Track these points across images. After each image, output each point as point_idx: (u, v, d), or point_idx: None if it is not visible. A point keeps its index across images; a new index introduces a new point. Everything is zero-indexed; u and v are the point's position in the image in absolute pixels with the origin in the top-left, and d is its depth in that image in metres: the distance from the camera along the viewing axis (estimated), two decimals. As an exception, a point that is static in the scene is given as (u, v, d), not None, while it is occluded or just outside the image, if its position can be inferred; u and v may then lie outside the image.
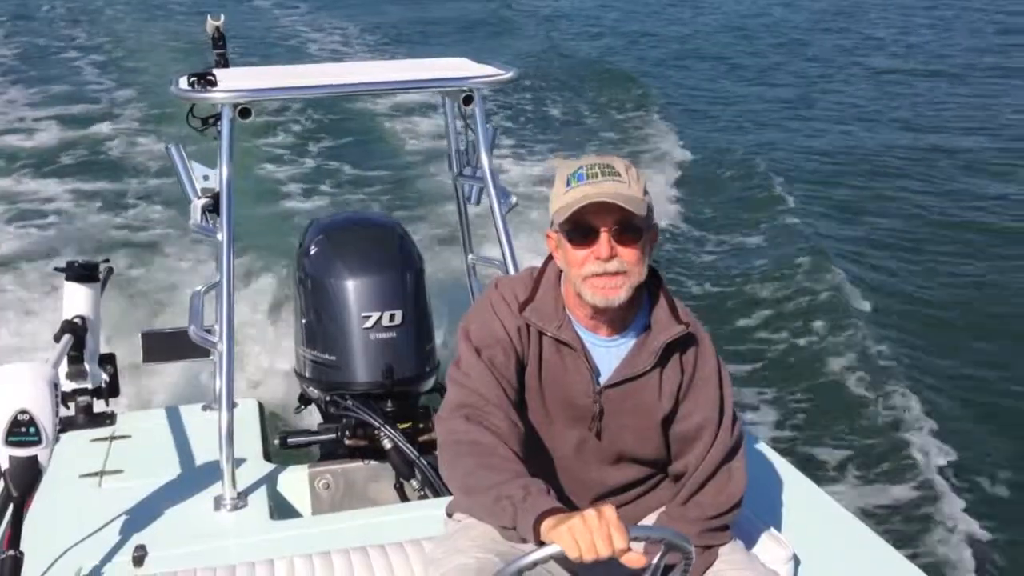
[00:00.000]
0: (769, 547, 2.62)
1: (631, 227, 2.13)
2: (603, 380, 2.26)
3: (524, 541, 1.92)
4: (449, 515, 2.43)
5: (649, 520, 2.39)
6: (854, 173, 10.93)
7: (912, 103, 14.04)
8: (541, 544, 1.84)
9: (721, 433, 2.31)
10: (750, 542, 2.59)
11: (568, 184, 2.14)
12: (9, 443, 2.48)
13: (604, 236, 2.11)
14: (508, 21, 20.17)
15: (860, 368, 6.48)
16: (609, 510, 1.79)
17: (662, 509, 2.39)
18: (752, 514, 2.68)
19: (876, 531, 2.93)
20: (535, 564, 1.83)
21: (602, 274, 2.13)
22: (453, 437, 2.13)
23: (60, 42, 17.08)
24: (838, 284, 7.74)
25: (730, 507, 2.34)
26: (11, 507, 2.51)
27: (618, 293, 2.15)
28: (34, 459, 2.49)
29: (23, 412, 2.47)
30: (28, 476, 2.49)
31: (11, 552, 2.44)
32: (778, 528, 2.75)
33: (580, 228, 2.13)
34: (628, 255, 2.13)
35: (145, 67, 14.45)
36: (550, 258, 2.29)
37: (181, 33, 16.39)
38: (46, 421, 2.50)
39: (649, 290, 2.29)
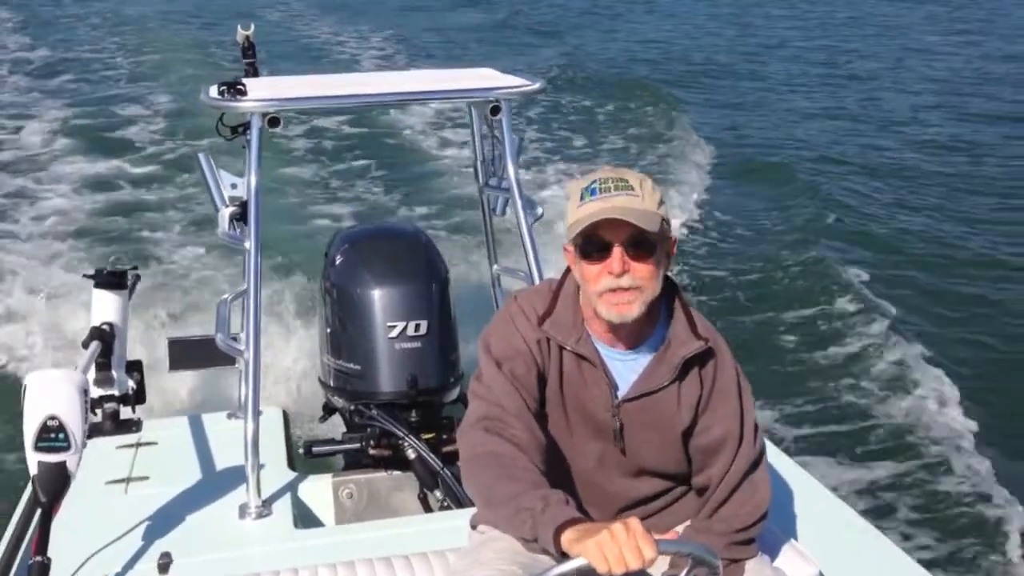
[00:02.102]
0: (795, 562, 2.60)
1: (644, 242, 2.12)
2: (621, 394, 2.25)
3: (546, 552, 1.92)
4: (473, 527, 2.42)
5: (673, 534, 2.38)
6: (885, 181, 10.85)
7: (953, 110, 13.92)
8: (563, 555, 1.83)
9: (743, 446, 2.30)
10: (775, 557, 2.57)
11: (582, 199, 2.14)
12: (38, 449, 2.50)
13: (617, 251, 2.11)
14: (529, 31, 20.26)
15: (885, 379, 6.43)
16: (635, 522, 1.78)
17: (687, 523, 2.38)
18: (777, 529, 2.66)
19: (900, 546, 2.90)
20: None
21: (615, 289, 2.12)
22: (473, 450, 2.13)
23: (91, 48, 17.30)
24: (864, 293, 7.69)
25: (756, 520, 2.32)
26: (39, 512, 2.54)
27: (631, 309, 2.14)
28: (63, 465, 2.51)
29: (52, 418, 2.49)
30: (57, 482, 2.51)
31: (39, 558, 2.46)
32: (802, 542, 2.72)
33: (593, 243, 2.13)
34: (641, 270, 2.13)
35: (175, 75, 14.60)
36: (568, 271, 2.29)
37: (209, 42, 16.58)
38: (75, 427, 2.52)
39: (667, 302, 2.28)
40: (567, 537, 1.83)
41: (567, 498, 1.96)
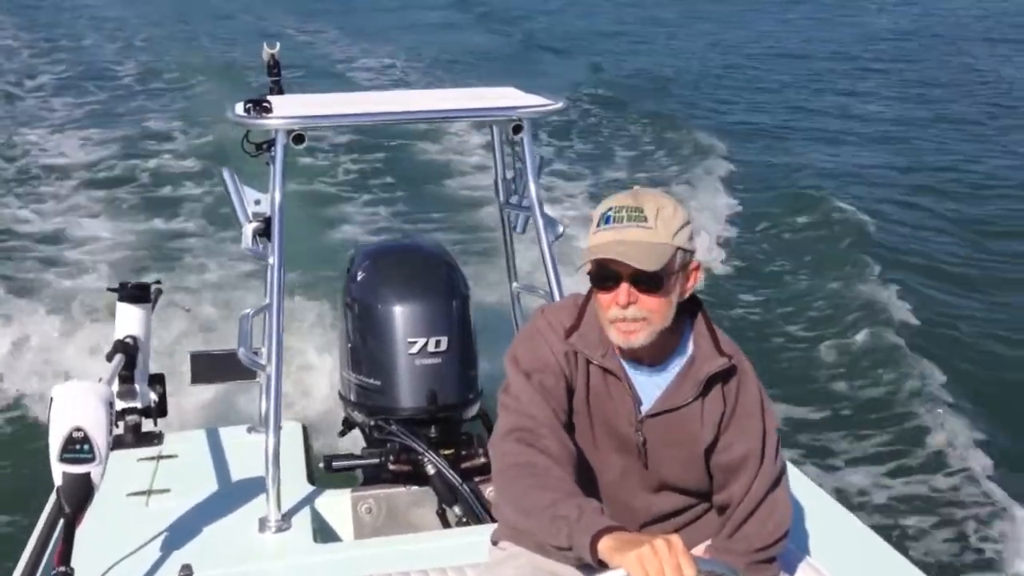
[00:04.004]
0: (813, 582, 2.59)
1: (651, 277, 2.12)
2: (645, 409, 2.26)
3: (580, 561, 1.92)
4: (494, 543, 2.43)
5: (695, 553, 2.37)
6: (910, 200, 10.78)
7: (982, 130, 13.78)
8: (599, 563, 1.83)
9: (765, 464, 2.30)
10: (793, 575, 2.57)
11: (597, 225, 2.16)
12: (64, 460, 2.52)
13: (624, 285, 2.12)
14: (553, 49, 20.33)
15: (903, 397, 6.40)
16: (677, 540, 1.79)
17: (708, 542, 2.38)
18: (796, 549, 2.66)
19: (918, 564, 2.89)
20: None
21: (622, 320, 2.14)
22: (506, 460, 2.14)
23: (115, 66, 17.51)
24: (884, 311, 7.65)
25: (777, 539, 2.32)
26: (63, 523, 2.56)
27: (637, 337, 2.16)
28: (87, 476, 2.53)
29: (78, 429, 2.52)
30: (81, 493, 2.53)
31: (62, 568, 2.48)
32: (823, 563, 2.72)
33: (601, 274, 2.15)
34: (649, 303, 2.13)
35: (201, 92, 14.75)
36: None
37: (235, 59, 16.75)
38: (100, 439, 2.54)
39: (691, 319, 2.30)
40: (605, 545, 1.83)
41: (602, 507, 1.97)
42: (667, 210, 2.15)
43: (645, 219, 2.12)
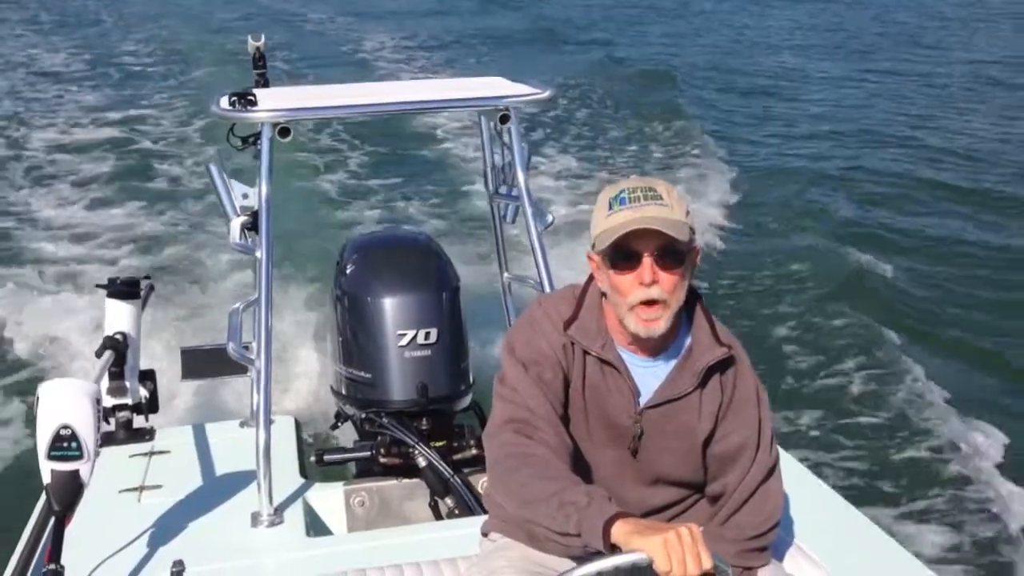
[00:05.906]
0: (806, 570, 2.59)
1: (674, 252, 2.13)
2: (644, 401, 2.25)
3: (582, 550, 1.92)
4: (484, 534, 2.43)
5: None
6: (905, 197, 10.78)
7: (974, 126, 13.78)
8: (612, 548, 1.82)
9: (760, 454, 2.30)
10: (787, 564, 2.57)
11: (610, 208, 2.14)
12: (51, 458, 2.51)
13: (647, 261, 2.11)
14: (551, 36, 20.30)
15: (898, 389, 6.41)
16: (697, 529, 1.79)
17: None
18: (788, 536, 2.66)
19: (912, 551, 2.89)
20: (617, 569, 1.81)
21: (646, 302, 2.13)
22: (505, 451, 2.13)
23: (111, 54, 17.47)
24: (880, 304, 7.67)
25: (769, 527, 2.32)
26: (53, 521, 2.55)
27: (658, 325, 2.15)
28: (76, 474, 2.52)
29: (65, 427, 2.51)
30: (69, 491, 2.52)
31: (52, 566, 2.47)
32: (815, 550, 2.72)
33: (623, 253, 2.13)
34: (669, 281, 2.13)
35: (190, 82, 14.71)
36: (592, 277, 2.30)
37: (225, 49, 16.71)
38: (88, 436, 2.53)
39: (688, 309, 2.29)
40: (620, 530, 1.83)
41: (609, 495, 1.96)
42: (675, 191, 2.18)
43: (661, 198, 2.13)
